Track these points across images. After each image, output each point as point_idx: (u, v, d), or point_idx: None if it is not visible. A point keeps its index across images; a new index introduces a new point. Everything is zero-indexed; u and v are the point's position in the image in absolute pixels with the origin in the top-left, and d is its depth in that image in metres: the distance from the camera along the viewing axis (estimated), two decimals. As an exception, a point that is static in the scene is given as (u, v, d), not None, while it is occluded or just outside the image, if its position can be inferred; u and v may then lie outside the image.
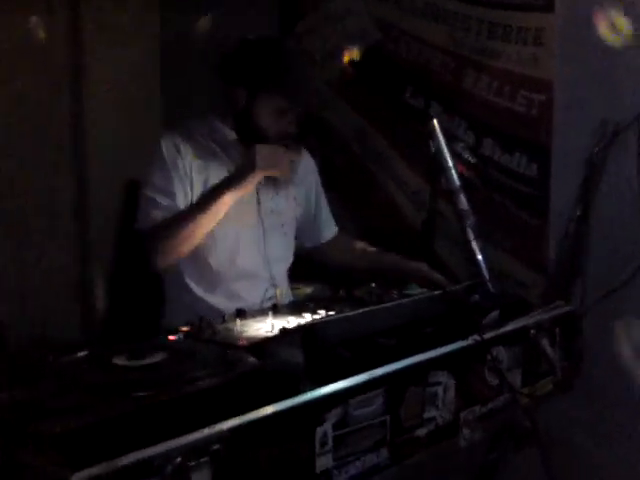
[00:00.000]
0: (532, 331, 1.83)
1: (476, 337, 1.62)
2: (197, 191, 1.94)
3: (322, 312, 1.69)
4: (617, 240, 2.14)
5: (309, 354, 1.23)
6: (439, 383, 1.53)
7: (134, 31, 3.54)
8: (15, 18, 3.21)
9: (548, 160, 2.31)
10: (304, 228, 2.23)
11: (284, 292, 2.07)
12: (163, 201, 1.90)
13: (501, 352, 1.72)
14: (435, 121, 2.30)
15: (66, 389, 1.16)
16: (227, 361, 1.30)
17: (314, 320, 1.53)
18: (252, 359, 1.30)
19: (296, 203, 2.18)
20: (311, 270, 2.44)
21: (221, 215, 1.86)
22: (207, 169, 1.96)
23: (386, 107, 2.72)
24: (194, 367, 1.25)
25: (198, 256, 1.96)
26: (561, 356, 1.93)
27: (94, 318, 3.50)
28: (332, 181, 2.91)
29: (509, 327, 1.75)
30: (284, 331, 1.29)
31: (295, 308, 1.78)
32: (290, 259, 2.18)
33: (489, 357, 1.67)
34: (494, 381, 1.70)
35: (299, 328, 1.30)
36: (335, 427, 1.27)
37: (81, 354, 1.35)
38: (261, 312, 1.75)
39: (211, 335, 1.55)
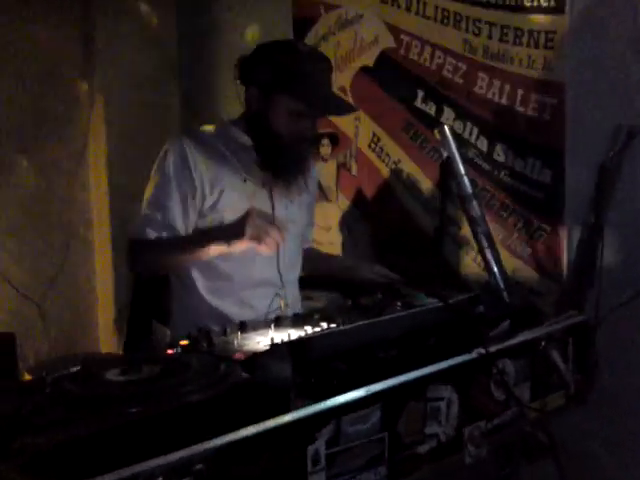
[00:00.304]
0: (542, 342, 1.77)
1: (481, 350, 1.57)
2: (209, 202, 1.92)
3: (324, 324, 1.66)
4: (632, 247, 2.08)
5: (298, 369, 1.20)
6: (442, 398, 1.49)
7: (150, 39, 3.55)
8: (30, 25, 3.25)
9: (562, 165, 2.26)
10: None
11: (292, 301, 2.04)
12: (157, 217, 1.88)
13: (508, 365, 1.67)
14: (446, 127, 2.26)
15: (54, 404, 1.15)
16: (219, 376, 1.28)
17: (306, 334, 1.49)
18: (243, 374, 1.27)
19: (305, 210, 2.15)
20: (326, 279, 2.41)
21: (204, 258, 1.89)
22: (221, 179, 1.92)
23: (398, 113, 2.69)
24: (184, 382, 1.22)
25: (211, 262, 1.94)
26: (574, 368, 1.87)
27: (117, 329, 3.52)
28: (345, 186, 2.91)
29: (516, 339, 1.69)
30: (274, 345, 1.26)
31: (298, 320, 1.76)
32: (300, 267, 2.15)
33: (495, 370, 1.62)
34: (501, 395, 1.65)
35: (288, 343, 1.27)
36: (328, 445, 1.24)
37: (74, 369, 1.34)
38: (264, 324, 1.72)
39: (209, 348, 1.53)
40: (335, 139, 2.90)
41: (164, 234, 1.89)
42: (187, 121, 3.59)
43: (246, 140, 1.95)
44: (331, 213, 2.93)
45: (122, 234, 3.11)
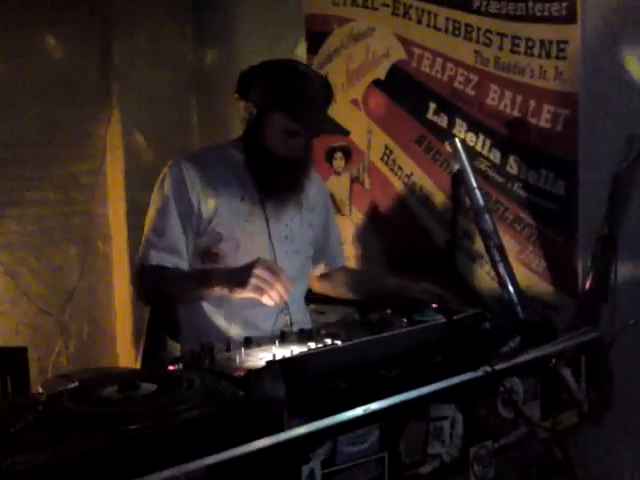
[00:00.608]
0: (553, 360, 1.73)
1: (486, 368, 1.53)
2: (206, 221, 1.92)
3: (328, 341, 1.64)
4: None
5: (293, 388, 1.18)
6: (445, 417, 1.45)
7: (167, 56, 3.58)
8: (48, 44, 3.29)
9: (575, 176, 2.21)
10: (314, 253, 2.18)
11: (299, 318, 2.02)
12: (159, 239, 1.91)
13: (516, 383, 1.63)
14: (457, 140, 2.24)
15: (44, 422, 1.14)
16: (214, 394, 1.26)
17: (303, 351, 1.47)
18: (239, 392, 1.26)
19: (311, 229, 2.13)
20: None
21: (206, 298, 1.91)
22: (218, 199, 1.93)
23: (410, 125, 2.67)
24: (179, 401, 1.21)
25: None
26: (588, 386, 1.82)
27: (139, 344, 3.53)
28: (358, 200, 2.89)
29: (525, 357, 1.65)
30: (268, 364, 1.24)
31: (303, 337, 1.74)
32: (306, 284, 2.13)
33: (502, 389, 1.58)
34: (509, 414, 1.61)
35: (280, 361, 1.25)
36: (324, 464, 1.21)
37: (71, 385, 1.33)
38: (269, 340, 1.71)
39: (210, 364, 1.51)
40: (348, 152, 2.89)
41: (167, 256, 1.91)
42: (205, 138, 3.61)
43: (242, 159, 1.96)
44: (345, 227, 2.90)
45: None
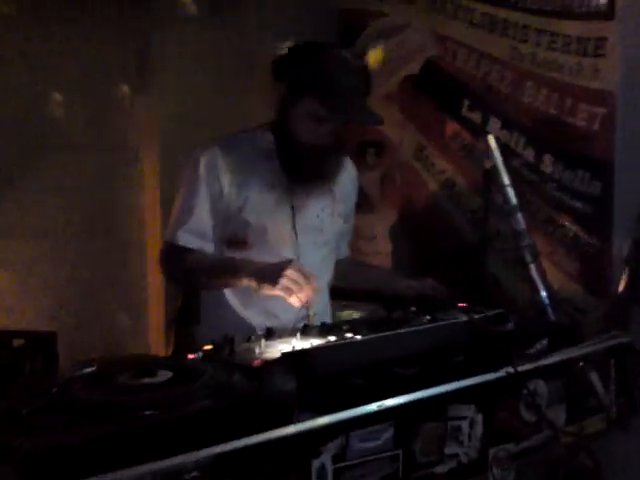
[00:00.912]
0: (580, 363, 1.68)
1: (509, 369, 1.50)
2: (234, 207, 1.91)
3: (348, 335, 1.62)
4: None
5: (303, 381, 1.16)
6: (463, 417, 1.43)
7: (197, 50, 3.59)
8: (86, 39, 3.33)
9: (611, 177, 2.16)
10: None
11: (321, 311, 2.01)
12: (188, 220, 1.89)
13: (540, 385, 1.59)
14: (490, 137, 2.19)
15: (55, 405, 1.15)
16: (228, 385, 1.26)
17: (315, 345, 1.46)
18: (252, 383, 1.25)
19: (341, 218, 2.11)
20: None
21: (231, 287, 1.91)
22: (247, 185, 1.91)
23: (444, 122, 2.63)
24: (191, 390, 1.21)
25: None
26: (617, 391, 1.77)
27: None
28: (389, 196, 2.87)
29: (550, 359, 1.61)
30: (282, 356, 1.23)
31: (325, 330, 1.72)
32: (329, 275, 2.11)
33: (525, 391, 1.54)
34: (531, 417, 1.57)
35: (293, 354, 1.24)
36: (335, 460, 1.20)
37: (89, 370, 1.34)
38: (290, 332, 1.70)
39: (229, 355, 1.51)
40: (380, 148, 2.86)
41: (193, 238, 1.90)
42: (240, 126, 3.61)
43: (272, 145, 1.94)
44: (376, 223, 2.88)
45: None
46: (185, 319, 2.22)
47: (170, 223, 1.95)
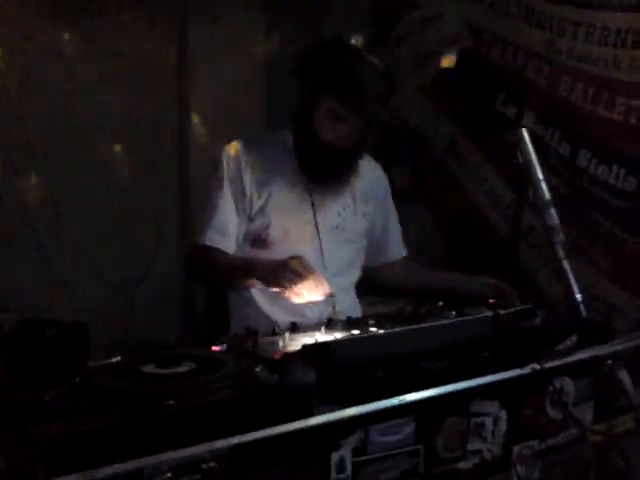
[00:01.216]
0: (609, 361, 1.65)
1: (535, 366, 1.48)
2: (257, 206, 1.94)
3: (373, 330, 1.62)
4: None
5: (323, 373, 1.17)
6: (487, 413, 1.41)
7: (240, 46, 3.61)
8: (126, 40, 3.37)
9: (647, 173, 2.11)
10: (371, 245, 2.15)
11: (348, 308, 2.00)
12: (212, 219, 1.92)
13: (567, 383, 1.57)
14: (524, 130, 2.16)
15: (78, 392, 1.17)
16: (250, 377, 1.26)
17: (337, 338, 1.47)
18: (274, 376, 1.26)
19: (365, 219, 2.11)
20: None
21: (249, 287, 1.94)
22: (270, 183, 1.94)
23: (478, 115, 2.60)
24: (212, 380, 1.22)
25: None
26: (647, 390, 1.74)
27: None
28: (422, 193, 2.85)
29: (577, 356, 1.59)
30: (303, 348, 1.23)
31: (349, 324, 1.72)
32: (356, 274, 2.11)
33: (551, 388, 1.52)
34: (557, 415, 1.55)
35: (314, 346, 1.24)
36: (355, 453, 1.20)
37: (114, 359, 1.37)
38: (315, 327, 1.71)
39: (252, 348, 1.52)
40: (413, 141, 2.84)
41: (217, 237, 1.93)
42: (274, 123, 3.63)
43: (292, 144, 1.95)
44: (407, 218, 2.86)
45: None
46: (213, 316, 2.26)
47: (197, 224, 1.98)
